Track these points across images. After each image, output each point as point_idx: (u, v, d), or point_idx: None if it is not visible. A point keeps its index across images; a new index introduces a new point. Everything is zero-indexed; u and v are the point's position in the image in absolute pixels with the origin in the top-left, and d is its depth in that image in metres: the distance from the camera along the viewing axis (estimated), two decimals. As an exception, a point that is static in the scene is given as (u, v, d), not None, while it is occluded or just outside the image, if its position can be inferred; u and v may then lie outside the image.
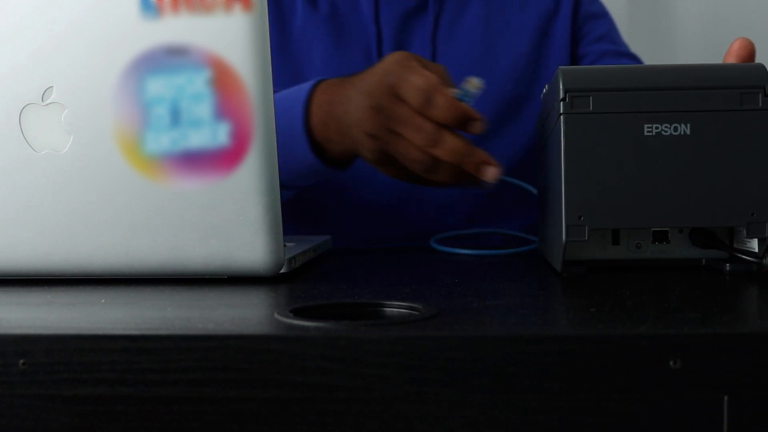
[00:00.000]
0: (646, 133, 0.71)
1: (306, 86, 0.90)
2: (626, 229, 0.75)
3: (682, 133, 0.71)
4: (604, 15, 1.21)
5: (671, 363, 0.50)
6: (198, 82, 0.69)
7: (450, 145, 0.76)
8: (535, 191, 0.95)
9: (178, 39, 0.69)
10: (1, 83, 0.71)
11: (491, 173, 0.76)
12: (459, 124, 0.77)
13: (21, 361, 0.52)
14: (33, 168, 0.71)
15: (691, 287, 0.68)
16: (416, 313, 0.57)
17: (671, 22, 1.92)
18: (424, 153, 0.77)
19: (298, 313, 0.56)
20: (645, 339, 0.50)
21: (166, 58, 0.69)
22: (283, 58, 1.11)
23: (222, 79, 0.68)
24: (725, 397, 0.50)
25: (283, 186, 0.95)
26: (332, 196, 1.11)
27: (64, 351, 0.52)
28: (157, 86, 0.69)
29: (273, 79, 1.10)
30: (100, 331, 0.53)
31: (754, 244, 0.73)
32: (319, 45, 1.11)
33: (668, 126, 0.71)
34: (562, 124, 0.71)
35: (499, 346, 0.50)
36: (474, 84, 0.78)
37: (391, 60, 0.81)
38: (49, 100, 0.71)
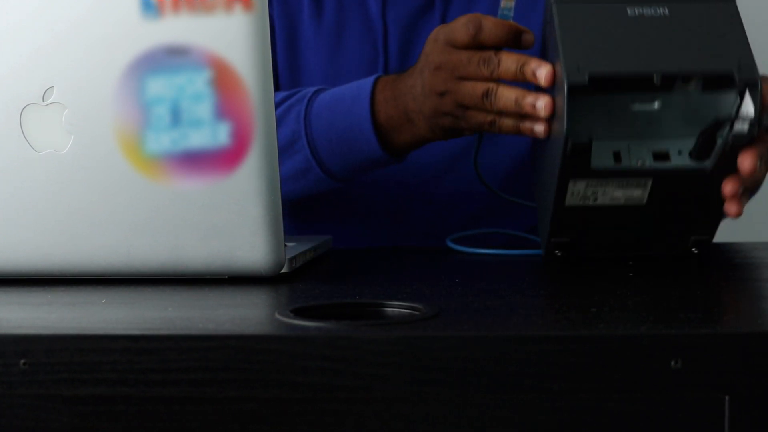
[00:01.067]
0: (629, 15, 0.77)
1: (365, 85, 0.95)
2: (623, 74, 0.76)
3: (662, 14, 0.77)
4: None
5: (672, 363, 0.50)
6: (198, 82, 0.68)
7: (506, 62, 0.82)
8: (532, 204, 0.95)
9: (178, 39, 0.69)
10: (1, 83, 0.71)
11: (543, 72, 0.79)
12: (512, 41, 0.83)
13: (21, 361, 0.52)
14: (33, 168, 0.71)
15: (692, 287, 0.68)
16: (417, 313, 0.57)
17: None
18: (485, 78, 0.83)
19: (298, 313, 0.56)
20: (646, 339, 0.50)
21: (167, 58, 0.69)
22: (291, 54, 1.11)
23: (222, 79, 0.68)
24: (726, 397, 0.50)
25: (336, 178, 0.99)
26: (334, 195, 1.10)
27: (65, 351, 0.52)
28: (158, 86, 0.69)
29: (280, 75, 1.11)
30: (100, 331, 0.53)
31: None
32: (324, 42, 1.11)
33: (649, 8, 0.77)
34: (554, 11, 0.77)
35: (500, 346, 0.50)
36: (507, 2, 0.86)
37: (433, 33, 0.88)
38: (49, 100, 0.71)
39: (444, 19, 1.12)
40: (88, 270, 0.72)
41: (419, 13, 1.12)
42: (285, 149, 0.97)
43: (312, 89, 0.99)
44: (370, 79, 0.95)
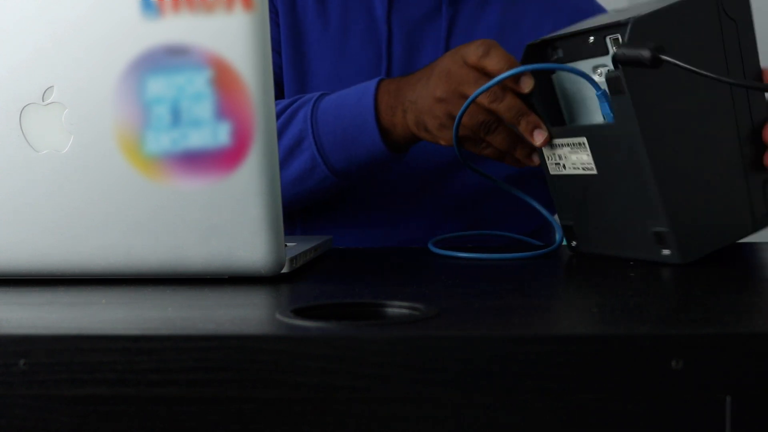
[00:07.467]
0: None
1: (371, 83, 0.99)
2: None
3: None
4: None
5: (673, 363, 0.50)
6: (198, 82, 0.68)
7: (509, 102, 0.86)
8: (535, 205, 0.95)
9: (178, 39, 0.69)
10: (1, 83, 0.71)
11: (541, 137, 0.86)
12: (511, 79, 0.87)
13: (22, 361, 0.52)
14: (33, 168, 0.71)
15: (693, 287, 0.68)
16: (417, 313, 0.57)
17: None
18: (486, 109, 0.87)
19: (299, 313, 0.56)
20: (647, 339, 0.50)
21: (167, 58, 0.69)
22: (296, 55, 1.11)
23: (222, 78, 0.68)
24: (727, 398, 0.50)
25: (339, 176, 1.01)
26: (334, 202, 1.10)
27: (65, 351, 0.52)
28: (158, 86, 0.69)
29: (285, 76, 1.11)
30: (100, 332, 0.53)
31: None
32: (329, 45, 1.11)
33: None
34: None
35: (500, 346, 0.50)
36: None
37: (455, 48, 0.92)
38: (49, 100, 0.71)
39: (450, 26, 1.11)
40: (88, 270, 0.72)
41: (425, 18, 1.11)
42: (291, 150, 1.00)
43: (317, 93, 1.02)
44: (376, 78, 0.99)
